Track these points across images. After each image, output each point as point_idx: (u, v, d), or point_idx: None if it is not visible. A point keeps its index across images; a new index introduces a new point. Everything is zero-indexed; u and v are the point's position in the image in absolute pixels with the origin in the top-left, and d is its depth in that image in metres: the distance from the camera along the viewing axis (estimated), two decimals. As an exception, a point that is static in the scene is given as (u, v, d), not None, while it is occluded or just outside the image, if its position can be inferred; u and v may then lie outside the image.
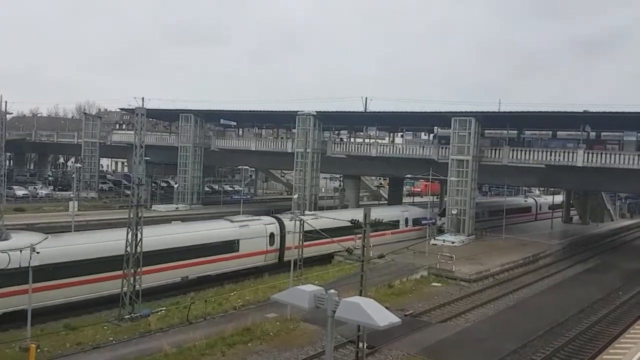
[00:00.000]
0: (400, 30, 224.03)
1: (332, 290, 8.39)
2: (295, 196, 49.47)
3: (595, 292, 32.99)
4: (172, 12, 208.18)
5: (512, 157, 44.90)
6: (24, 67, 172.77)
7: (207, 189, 76.10)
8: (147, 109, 36.87)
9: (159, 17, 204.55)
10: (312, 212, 42.47)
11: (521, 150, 45.45)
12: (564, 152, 42.85)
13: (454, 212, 44.48)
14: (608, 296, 32.36)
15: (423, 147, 51.53)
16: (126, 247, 25.06)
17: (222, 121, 66.65)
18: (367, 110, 60.96)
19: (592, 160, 41.29)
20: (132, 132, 52.38)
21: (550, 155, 43.29)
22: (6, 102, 49.88)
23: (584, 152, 41.77)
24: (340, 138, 60.72)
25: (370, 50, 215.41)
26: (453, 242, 42.22)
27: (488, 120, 46.78)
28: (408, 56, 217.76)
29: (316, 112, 52.65)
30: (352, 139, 60.77)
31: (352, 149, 54.80)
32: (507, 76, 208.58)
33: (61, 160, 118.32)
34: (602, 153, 41.67)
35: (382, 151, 52.43)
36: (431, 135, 56.82)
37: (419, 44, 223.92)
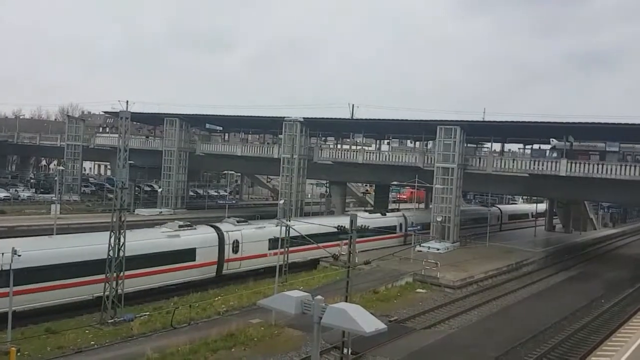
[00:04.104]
0: (402, 42, 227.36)
1: (319, 297, 8.36)
2: (281, 202, 49.35)
3: (578, 300, 33.29)
4: (172, 18, 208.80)
5: (496, 165, 45.34)
6: (12, 68, 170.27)
7: (191, 193, 75.61)
8: (132, 113, 36.43)
9: (158, 22, 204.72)
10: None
11: (505, 159, 45.95)
12: (547, 162, 43.41)
13: (439, 219, 44.70)
14: (590, 304, 32.69)
15: (409, 154, 51.85)
16: (109, 250, 24.83)
17: (207, 126, 66.35)
18: (354, 117, 61.14)
19: (575, 170, 41.83)
20: (116, 135, 51.88)
21: (534, 164, 43.80)
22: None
23: (567, 162, 42.34)
24: (328, 144, 60.86)
25: (371, 60, 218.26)
26: (438, 249, 42.40)
27: (473, 129, 47.16)
28: (408, 67, 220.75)
29: (303, 118, 52.66)
30: (338, 146, 60.90)
31: (338, 156, 54.87)
32: (504, 89, 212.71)
33: (43, 162, 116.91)
34: (585, 163, 42.24)
35: (368, 158, 52.55)
36: (417, 143, 57.00)
37: (420, 56, 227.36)
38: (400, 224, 47.84)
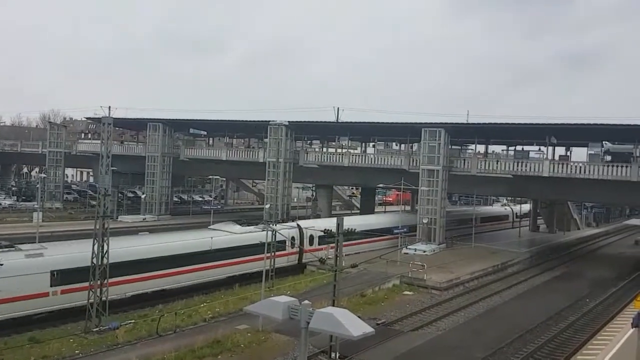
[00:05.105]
0: (391, 43, 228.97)
1: (306, 301, 8.31)
2: (267, 206, 49.18)
3: (563, 299, 33.57)
4: (162, 20, 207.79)
5: (481, 167, 45.73)
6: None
7: (175, 199, 75.09)
8: (114, 118, 36.20)
9: (147, 26, 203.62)
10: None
11: (489, 161, 46.32)
12: (531, 163, 43.92)
13: (425, 221, 44.86)
14: (575, 303, 32.98)
15: (394, 157, 51.92)
16: (92, 258, 24.48)
17: (191, 130, 65.97)
18: (339, 121, 61.19)
19: (557, 171, 42.33)
20: (99, 141, 51.34)
21: (518, 165, 44.27)
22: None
23: (550, 163, 42.87)
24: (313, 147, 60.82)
25: (361, 64, 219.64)
26: (424, 251, 42.53)
27: (457, 131, 47.48)
28: (397, 68, 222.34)
29: (288, 122, 52.59)
30: (324, 149, 60.90)
31: (324, 159, 54.85)
32: (494, 91, 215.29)
33: (25, 170, 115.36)
34: (567, 164, 42.82)
35: (354, 161, 52.67)
36: (402, 145, 57.21)
37: (410, 57, 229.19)
38: (293, 239, 38.27)
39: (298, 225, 40.09)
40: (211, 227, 37.32)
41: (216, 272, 32.56)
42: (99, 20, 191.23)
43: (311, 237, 39.58)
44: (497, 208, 76.27)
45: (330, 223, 38.24)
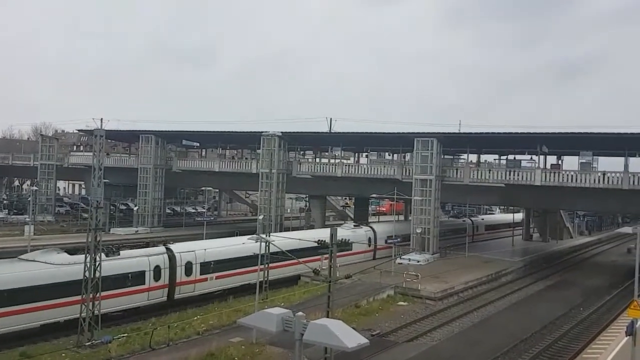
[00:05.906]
0: (387, 52, 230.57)
1: (300, 313, 8.27)
2: (261, 217, 49.04)
3: (557, 308, 33.60)
4: (152, 33, 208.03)
5: (473, 176, 45.92)
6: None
7: (168, 211, 74.75)
8: (106, 130, 35.93)
9: (139, 38, 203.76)
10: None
11: (481, 170, 46.52)
12: (523, 172, 44.16)
13: (419, 231, 44.85)
14: (569, 312, 33.02)
15: (387, 167, 52.01)
16: (84, 271, 24.26)
17: (184, 142, 65.82)
18: (332, 131, 61.34)
19: (549, 180, 42.57)
20: (91, 153, 51.17)
21: (510, 174, 44.50)
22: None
23: (542, 172, 43.14)
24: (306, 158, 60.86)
25: (354, 75, 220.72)
26: (418, 261, 42.49)
27: (449, 141, 47.69)
28: (389, 79, 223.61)
29: (281, 132, 52.62)
30: (317, 159, 60.95)
31: (317, 169, 54.89)
32: (488, 98, 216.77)
33: (16, 183, 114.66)
34: (559, 173, 43.10)
35: (347, 171, 52.71)
36: (395, 155, 57.41)
37: (401, 68, 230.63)
38: (157, 269, 30.01)
39: (168, 249, 31.65)
40: (23, 256, 27.88)
41: (10, 322, 23.50)
42: (93, 31, 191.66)
43: (188, 265, 31.73)
44: (452, 220, 64.33)
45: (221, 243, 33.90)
